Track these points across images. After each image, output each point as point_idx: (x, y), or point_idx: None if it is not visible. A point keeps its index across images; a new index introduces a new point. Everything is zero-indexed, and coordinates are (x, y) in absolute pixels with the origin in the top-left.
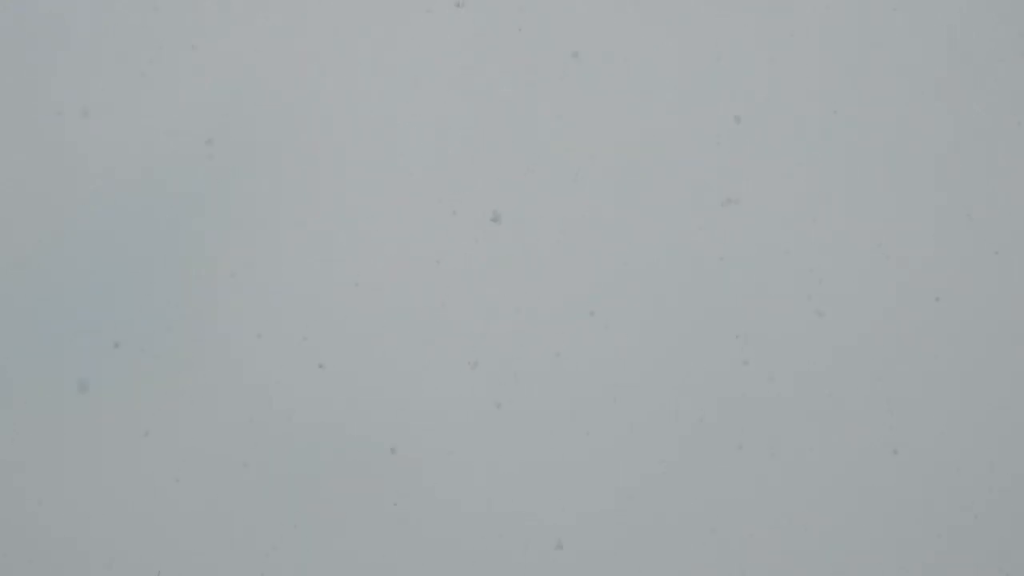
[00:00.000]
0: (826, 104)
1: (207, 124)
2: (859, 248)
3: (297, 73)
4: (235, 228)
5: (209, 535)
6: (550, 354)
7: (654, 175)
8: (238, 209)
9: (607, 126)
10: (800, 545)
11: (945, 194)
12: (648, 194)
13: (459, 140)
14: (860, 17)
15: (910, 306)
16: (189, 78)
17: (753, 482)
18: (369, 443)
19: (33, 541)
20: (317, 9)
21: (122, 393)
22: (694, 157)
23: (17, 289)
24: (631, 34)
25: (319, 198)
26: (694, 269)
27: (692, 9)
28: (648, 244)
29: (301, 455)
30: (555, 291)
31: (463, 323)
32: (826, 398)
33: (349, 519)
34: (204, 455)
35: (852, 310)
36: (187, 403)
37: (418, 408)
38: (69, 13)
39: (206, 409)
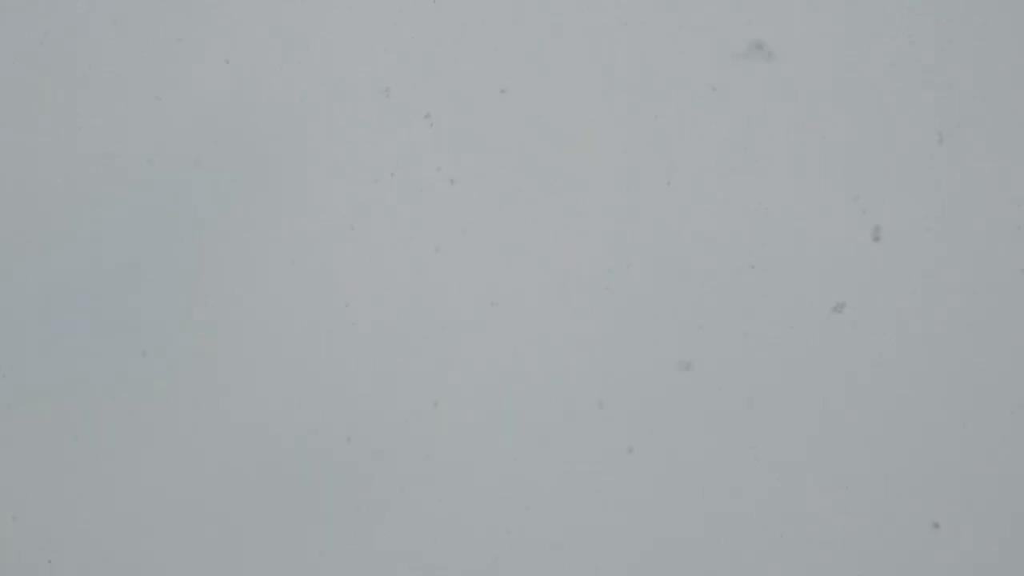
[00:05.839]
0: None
1: (207, 130)
2: None
3: (293, 79)
4: (232, 232)
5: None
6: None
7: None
8: (236, 212)
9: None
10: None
11: None
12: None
13: (455, 142)
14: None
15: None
16: (187, 83)
17: None
18: (365, 436)
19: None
20: (311, 14)
21: (126, 391)
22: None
23: (19, 289)
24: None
25: (315, 202)
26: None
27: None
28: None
29: (298, 449)
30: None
31: (455, 324)
32: None
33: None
34: (205, 453)
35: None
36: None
37: (402, 404)
38: (68, 18)
39: (208, 406)
